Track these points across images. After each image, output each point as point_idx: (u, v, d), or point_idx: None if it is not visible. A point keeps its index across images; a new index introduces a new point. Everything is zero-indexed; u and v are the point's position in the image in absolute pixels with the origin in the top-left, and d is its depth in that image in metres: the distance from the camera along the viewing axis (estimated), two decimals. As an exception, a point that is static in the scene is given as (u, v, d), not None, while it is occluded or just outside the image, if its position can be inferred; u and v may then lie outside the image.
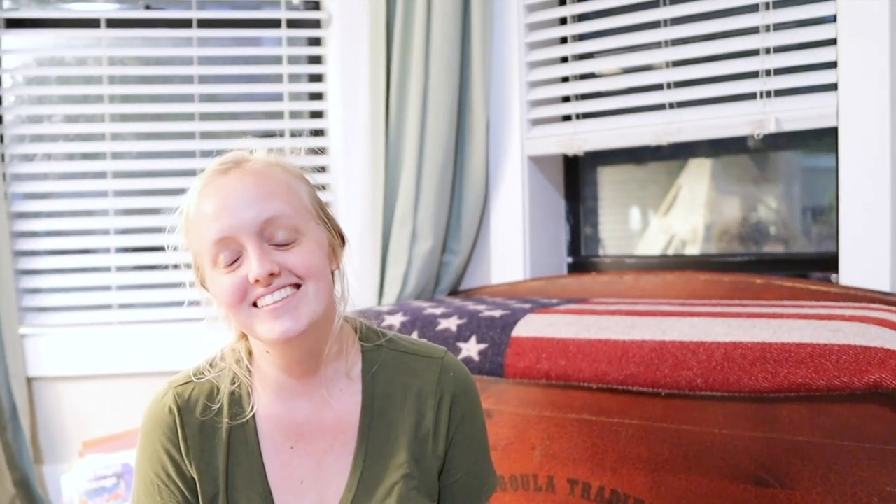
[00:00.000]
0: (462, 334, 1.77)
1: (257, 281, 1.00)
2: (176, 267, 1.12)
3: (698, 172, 2.36)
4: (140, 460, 1.12)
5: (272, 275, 1.01)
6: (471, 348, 1.73)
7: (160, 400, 1.12)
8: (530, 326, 1.71)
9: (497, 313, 1.79)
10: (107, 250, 2.47)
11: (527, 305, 1.87)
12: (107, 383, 2.40)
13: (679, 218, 2.38)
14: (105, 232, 2.47)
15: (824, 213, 2.14)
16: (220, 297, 1.05)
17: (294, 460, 1.11)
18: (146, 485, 1.11)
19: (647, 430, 1.53)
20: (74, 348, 2.39)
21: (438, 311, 1.89)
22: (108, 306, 2.47)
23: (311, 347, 1.09)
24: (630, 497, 1.54)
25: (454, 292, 2.40)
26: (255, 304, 1.02)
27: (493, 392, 1.69)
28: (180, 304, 2.44)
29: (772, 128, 1.94)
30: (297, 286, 1.03)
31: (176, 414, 1.10)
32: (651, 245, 2.44)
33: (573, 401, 1.61)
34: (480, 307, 1.88)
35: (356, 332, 1.17)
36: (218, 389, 1.12)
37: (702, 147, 2.29)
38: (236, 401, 1.11)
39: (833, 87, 1.88)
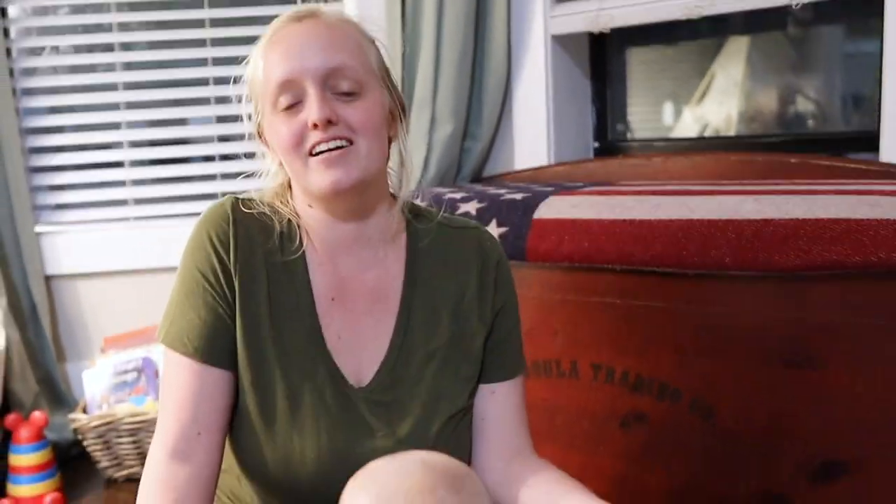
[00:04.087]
0: (482, 218, 1.71)
1: (315, 126, 1.01)
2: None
3: (734, 57, 2.24)
4: (185, 260, 1.08)
5: (329, 122, 1.01)
6: (491, 232, 1.67)
7: (219, 203, 1.10)
8: (553, 208, 1.65)
9: (518, 196, 1.72)
10: (120, 145, 2.42)
11: (549, 188, 1.80)
12: (125, 279, 2.39)
13: (713, 105, 2.28)
14: (117, 126, 2.41)
15: (866, 98, 2.02)
16: (278, 142, 1.05)
17: (334, 312, 1.10)
18: (189, 285, 1.07)
19: (673, 312, 1.47)
20: (91, 245, 2.37)
21: (458, 195, 1.83)
22: (123, 202, 2.43)
23: (357, 207, 1.08)
24: (655, 381, 1.50)
25: (476, 179, 2.33)
26: (310, 154, 1.02)
27: (514, 276, 1.63)
28: (197, 197, 2.44)
29: (810, -5, 1.81)
30: (351, 142, 1.02)
31: (230, 217, 1.08)
32: (682, 133, 2.34)
33: (597, 283, 1.56)
34: (501, 191, 1.82)
35: (402, 205, 1.17)
36: (272, 219, 1.10)
37: (737, 25, 2.17)
38: (286, 236, 1.10)
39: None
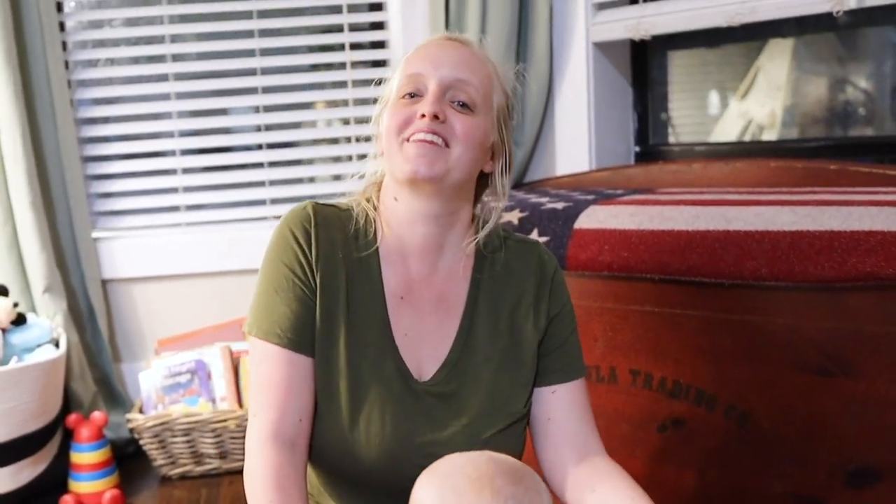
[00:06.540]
0: (524, 227, 1.75)
1: (423, 116, 1.09)
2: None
3: (778, 53, 2.25)
4: (271, 257, 1.15)
5: (436, 117, 1.09)
6: (532, 241, 1.71)
7: (301, 206, 1.18)
8: (593, 218, 1.68)
9: (559, 205, 1.76)
10: (172, 153, 2.50)
11: (590, 197, 1.83)
12: (178, 283, 2.47)
13: (756, 102, 2.29)
14: (170, 135, 2.49)
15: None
16: (387, 124, 1.14)
17: (402, 310, 1.16)
18: (277, 281, 1.13)
19: (710, 320, 1.50)
20: (145, 250, 2.45)
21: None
22: (175, 208, 2.51)
23: (436, 210, 1.14)
24: (692, 387, 1.53)
25: (518, 185, 2.37)
26: (407, 139, 1.11)
27: (555, 285, 1.67)
28: (246, 203, 2.51)
29: (852, 3, 1.82)
30: (447, 144, 1.10)
31: (312, 219, 1.16)
32: (725, 132, 2.36)
33: (636, 292, 1.59)
34: (543, 199, 1.85)
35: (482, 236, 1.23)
36: (351, 218, 1.18)
37: (780, 26, 2.17)
38: (363, 233, 1.18)
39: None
